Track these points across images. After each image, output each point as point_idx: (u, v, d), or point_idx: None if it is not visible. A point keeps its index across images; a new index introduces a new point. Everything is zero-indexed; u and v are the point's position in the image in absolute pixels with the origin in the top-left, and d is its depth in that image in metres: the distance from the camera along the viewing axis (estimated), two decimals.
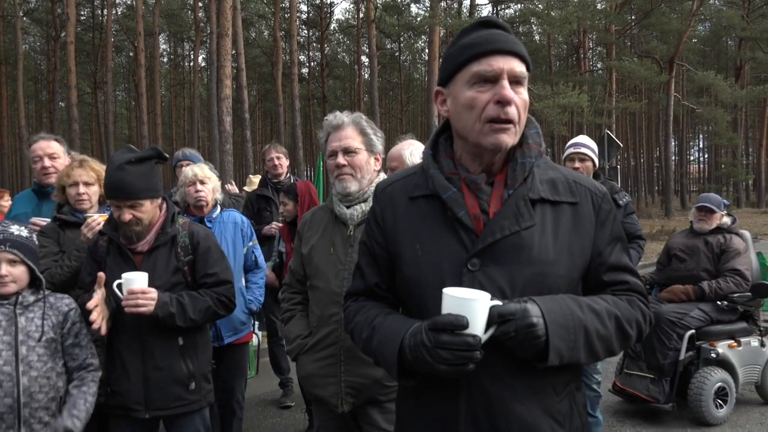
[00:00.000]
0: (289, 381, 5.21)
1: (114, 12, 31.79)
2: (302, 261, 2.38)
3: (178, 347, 2.55)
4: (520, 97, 1.33)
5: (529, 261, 1.31)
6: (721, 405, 4.57)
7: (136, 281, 2.36)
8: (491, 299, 1.22)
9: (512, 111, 1.31)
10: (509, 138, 1.32)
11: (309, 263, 2.33)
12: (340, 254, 2.25)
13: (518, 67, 1.32)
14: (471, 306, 1.20)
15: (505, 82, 1.30)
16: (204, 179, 3.58)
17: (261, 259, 3.93)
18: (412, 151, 2.80)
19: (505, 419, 1.31)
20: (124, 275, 2.38)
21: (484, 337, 1.21)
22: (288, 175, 5.27)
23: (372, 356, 1.44)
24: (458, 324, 1.18)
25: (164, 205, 2.64)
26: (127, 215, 2.45)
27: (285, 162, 5.25)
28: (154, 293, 2.39)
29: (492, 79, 1.30)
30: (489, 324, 1.21)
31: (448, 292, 1.23)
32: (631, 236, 3.95)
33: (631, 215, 4.01)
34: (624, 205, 3.97)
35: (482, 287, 1.27)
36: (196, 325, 2.58)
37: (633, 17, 35.95)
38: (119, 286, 2.38)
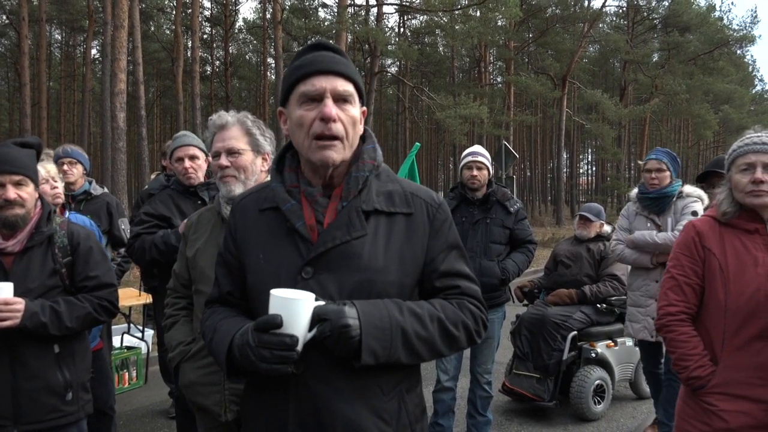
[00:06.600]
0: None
1: None
2: (187, 264, 2.28)
3: (54, 355, 2.36)
4: (347, 113, 1.40)
5: (358, 268, 1.38)
6: (599, 401, 4.90)
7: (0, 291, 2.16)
8: (316, 300, 1.28)
9: (337, 127, 1.38)
10: (336, 153, 1.39)
11: (194, 267, 2.24)
12: None
13: (342, 86, 1.39)
14: (293, 306, 1.25)
15: (328, 101, 1.37)
16: (56, 177, 3.32)
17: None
18: None
19: (330, 418, 1.35)
20: None
21: (307, 337, 1.27)
22: None
23: (212, 356, 1.48)
24: (273, 323, 1.25)
25: (38, 203, 2.45)
26: (12, 193, 2.24)
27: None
28: (20, 304, 2.19)
29: (317, 98, 1.38)
30: (313, 325, 1.27)
31: (274, 292, 1.28)
32: (521, 241, 4.12)
33: (522, 221, 4.15)
34: (515, 211, 4.09)
35: (314, 293, 1.31)
36: (74, 333, 2.40)
37: (530, 35, 37.93)
38: None
